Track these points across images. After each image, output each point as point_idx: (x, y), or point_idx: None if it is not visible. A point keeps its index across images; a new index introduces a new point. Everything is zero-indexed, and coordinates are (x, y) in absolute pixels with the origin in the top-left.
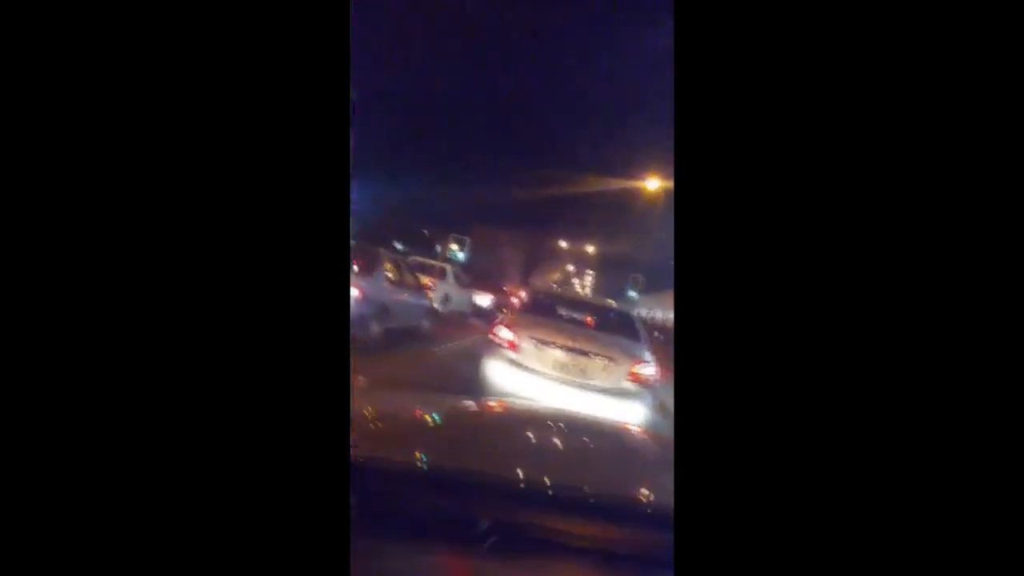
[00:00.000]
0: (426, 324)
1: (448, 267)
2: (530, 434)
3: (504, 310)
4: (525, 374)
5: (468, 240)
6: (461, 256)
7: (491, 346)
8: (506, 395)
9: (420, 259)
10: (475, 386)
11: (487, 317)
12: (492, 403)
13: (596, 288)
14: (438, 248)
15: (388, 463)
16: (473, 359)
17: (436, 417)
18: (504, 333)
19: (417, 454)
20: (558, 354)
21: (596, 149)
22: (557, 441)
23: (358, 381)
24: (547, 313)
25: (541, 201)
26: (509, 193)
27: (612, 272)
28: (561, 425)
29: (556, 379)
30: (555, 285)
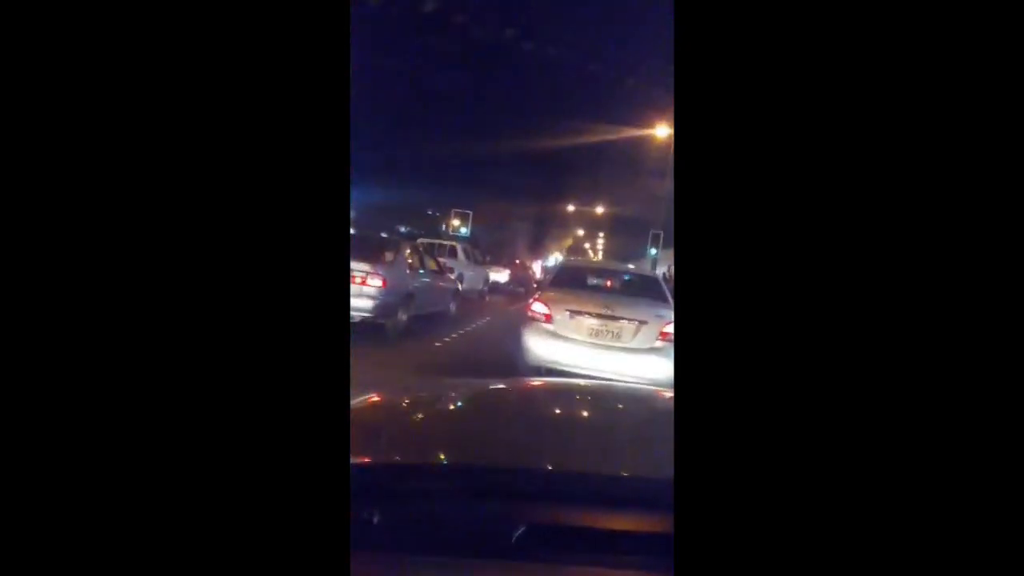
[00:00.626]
0: (453, 308)
1: (458, 245)
2: (558, 411)
3: (535, 285)
4: (564, 343)
5: (471, 214)
6: (464, 232)
7: (528, 321)
8: (549, 364)
9: (428, 240)
10: (518, 361)
11: (506, 293)
12: (531, 382)
13: (607, 251)
14: (443, 227)
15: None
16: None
17: (459, 403)
18: (539, 307)
19: (440, 456)
20: (591, 322)
21: (599, 100)
22: (585, 414)
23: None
24: (576, 284)
25: (543, 164)
26: (508, 158)
27: (624, 232)
28: (589, 399)
29: (592, 344)
30: (567, 254)
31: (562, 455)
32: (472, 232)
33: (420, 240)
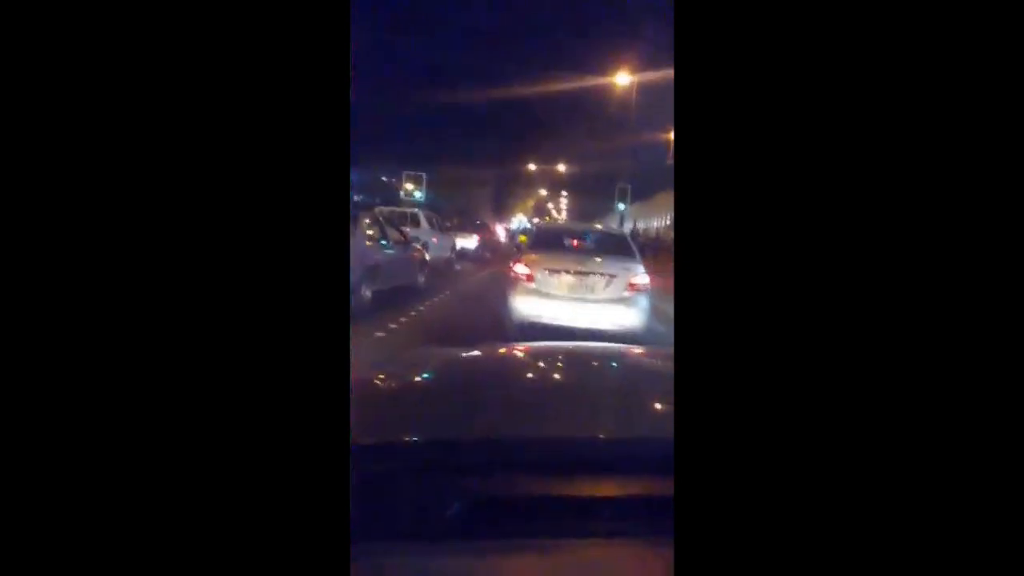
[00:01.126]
0: (421, 279)
1: (420, 212)
2: (531, 375)
3: (517, 248)
4: (545, 299)
5: (424, 176)
6: (419, 196)
7: (511, 281)
8: (533, 319)
9: (388, 208)
10: (503, 319)
11: (474, 260)
12: (501, 349)
13: (571, 210)
14: (401, 194)
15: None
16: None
17: (427, 375)
18: (520, 268)
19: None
20: (568, 278)
21: (556, 47)
22: (557, 376)
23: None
24: (552, 246)
25: (500, 122)
26: (464, 117)
27: (588, 190)
28: (560, 362)
29: (570, 299)
30: (532, 215)
31: (540, 421)
32: (432, 198)
33: (379, 209)
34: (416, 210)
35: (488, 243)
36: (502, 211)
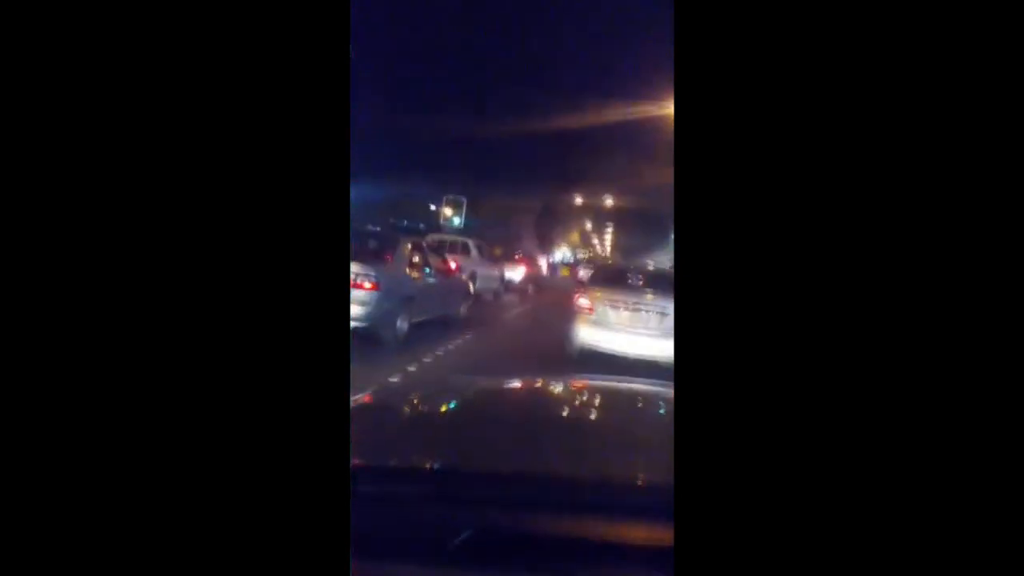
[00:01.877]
0: (463, 310)
1: (471, 242)
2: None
3: (579, 281)
4: (604, 330)
5: (464, 202)
6: (458, 222)
7: (574, 313)
8: (592, 347)
9: (438, 237)
10: (564, 346)
11: (517, 292)
12: (535, 382)
13: (615, 246)
14: (440, 220)
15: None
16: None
17: (452, 405)
18: (583, 301)
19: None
20: (625, 312)
21: (601, 73)
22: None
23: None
24: (609, 282)
25: (547, 150)
26: (510, 146)
27: (634, 225)
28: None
29: (626, 331)
30: (575, 249)
31: (554, 459)
32: (476, 226)
33: (430, 237)
34: (467, 239)
35: (530, 276)
36: (545, 243)
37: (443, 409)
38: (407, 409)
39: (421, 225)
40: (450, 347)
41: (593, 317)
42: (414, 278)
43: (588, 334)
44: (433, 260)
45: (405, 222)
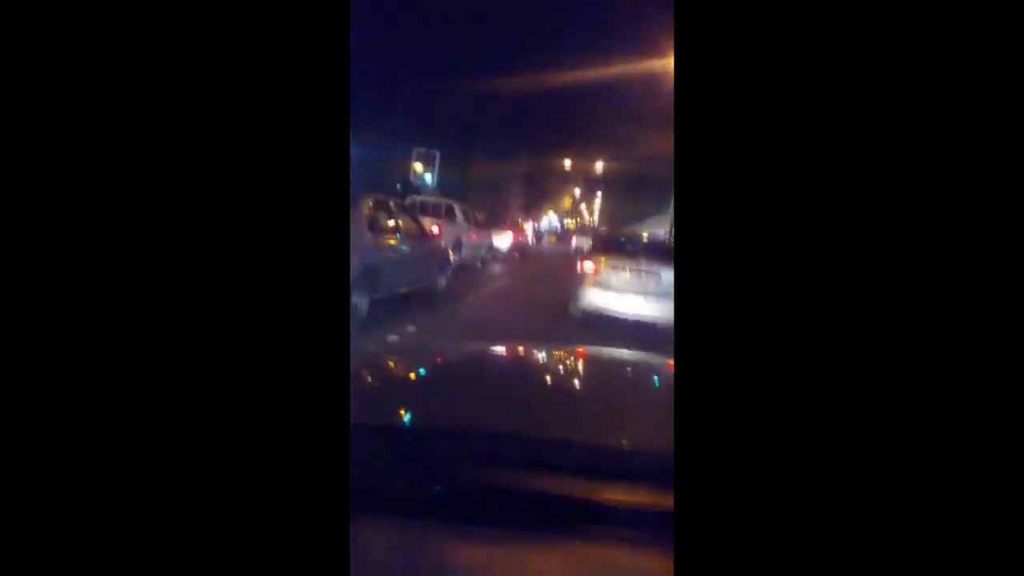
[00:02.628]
0: (442, 282)
1: (456, 205)
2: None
3: (586, 247)
4: (606, 292)
5: (437, 155)
6: (429, 180)
7: (579, 276)
8: (598, 308)
9: (422, 198)
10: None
11: (505, 261)
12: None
13: (604, 213)
14: (427, 178)
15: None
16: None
17: (421, 372)
18: (589, 265)
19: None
20: (625, 275)
21: (593, 27)
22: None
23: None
24: (610, 248)
25: (536, 109)
26: (499, 103)
27: (626, 191)
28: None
29: (626, 292)
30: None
31: (555, 423)
32: (458, 188)
33: (411, 197)
34: (452, 202)
35: (518, 243)
36: (532, 209)
37: (426, 369)
38: (391, 366)
39: (398, 185)
40: (427, 321)
41: (598, 279)
42: (378, 244)
43: (593, 295)
44: (405, 223)
45: (398, 186)
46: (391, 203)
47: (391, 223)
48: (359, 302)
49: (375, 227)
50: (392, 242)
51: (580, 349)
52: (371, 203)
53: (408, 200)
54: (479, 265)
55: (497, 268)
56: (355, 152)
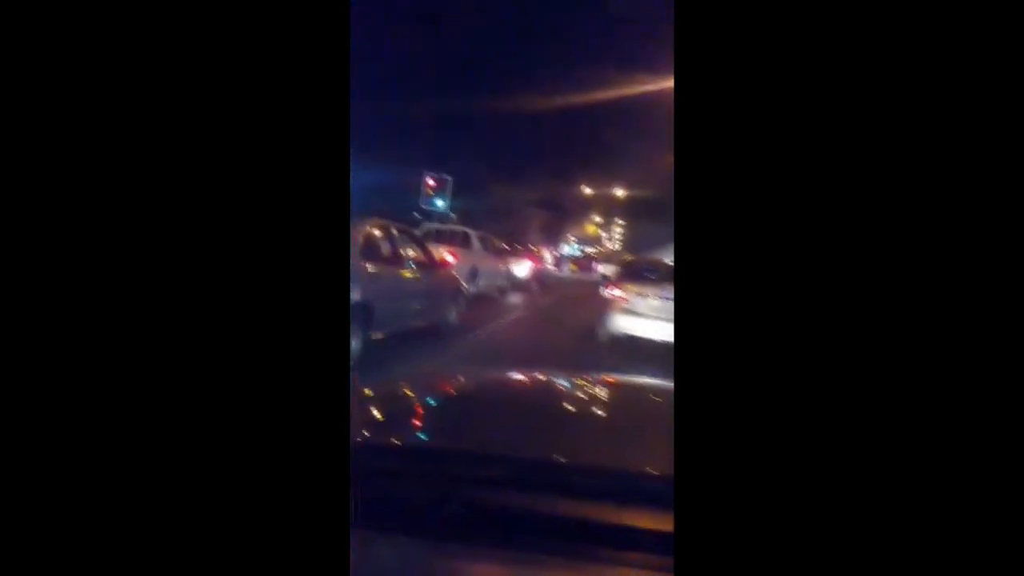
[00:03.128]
0: (453, 315)
1: (472, 232)
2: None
3: (610, 275)
4: (636, 318)
5: (450, 181)
6: (442, 204)
7: (608, 302)
8: (627, 333)
9: (436, 226)
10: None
11: (523, 291)
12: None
13: (627, 241)
14: (439, 203)
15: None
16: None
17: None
18: (617, 292)
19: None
20: (654, 302)
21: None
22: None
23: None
24: (637, 275)
25: (555, 134)
26: (510, 121)
27: (648, 218)
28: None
29: (655, 318)
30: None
31: (571, 447)
32: (477, 215)
33: (426, 225)
34: (467, 229)
35: (537, 271)
36: (551, 236)
37: (445, 392)
38: (408, 392)
39: (415, 214)
40: (436, 357)
41: (627, 305)
42: (377, 274)
43: (623, 322)
44: (412, 251)
45: (415, 214)
46: (393, 229)
47: (391, 251)
48: (352, 344)
49: (373, 255)
50: (394, 272)
51: (606, 376)
52: (369, 228)
53: (421, 227)
54: (497, 295)
55: (516, 298)
56: (369, 177)
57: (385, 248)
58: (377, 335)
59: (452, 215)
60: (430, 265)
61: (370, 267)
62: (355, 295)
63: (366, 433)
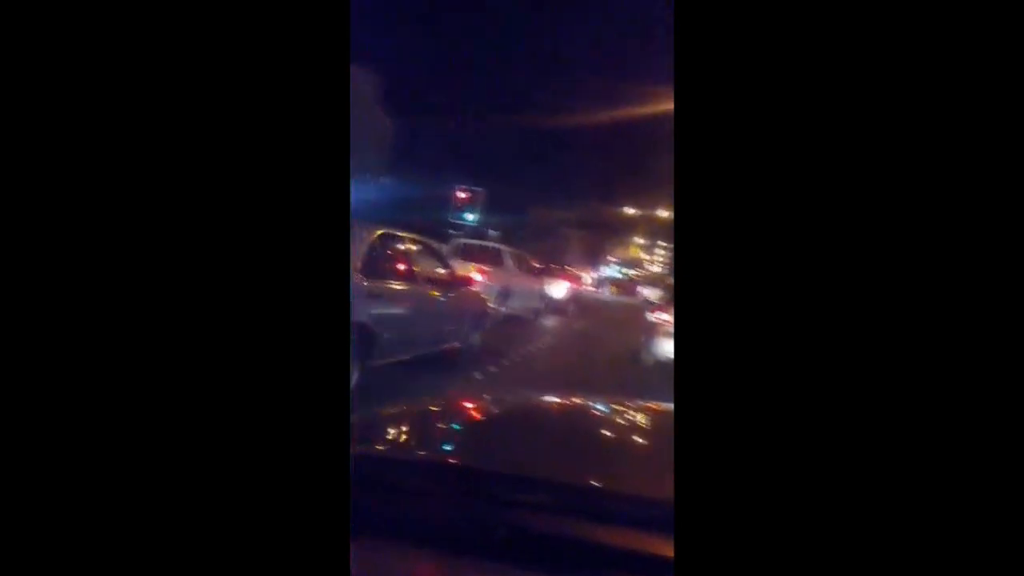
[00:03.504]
0: (475, 338)
1: (505, 249)
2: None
3: (654, 299)
4: None
5: (483, 193)
6: (472, 218)
7: (652, 326)
8: (670, 360)
9: (465, 241)
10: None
11: (558, 313)
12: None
13: (669, 264)
14: (469, 217)
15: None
16: None
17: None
18: (663, 315)
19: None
20: None
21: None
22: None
23: None
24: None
25: (594, 154)
26: (549, 137)
27: None
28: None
29: None
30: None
31: (611, 474)
32: (515, 234)
33: (457, 241)
34: (499, 246)
35: (574, 293)
36: (592, 257)
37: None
38: (433, 409)
39: (450, 231)
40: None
41: (671, 329)
42: (380, 292)
43: (669, 347)
44: (429, 267)
45: (450, 231)
46: (405, 240)
47: (404, 266)
48: (352, 374)
49: (378, 270)
50: (406, 290)
51: (651, 404)
52: (373, 238)
53: (451, 243)
54: (531, 316)
55: (551, 321)
56: (405, 191)
57: (394, 262)
58: (384, 360)
59: (491, 232)
60: (451, 283)
61: (371, 284)
62: (358, 316)
63: (384, 448)
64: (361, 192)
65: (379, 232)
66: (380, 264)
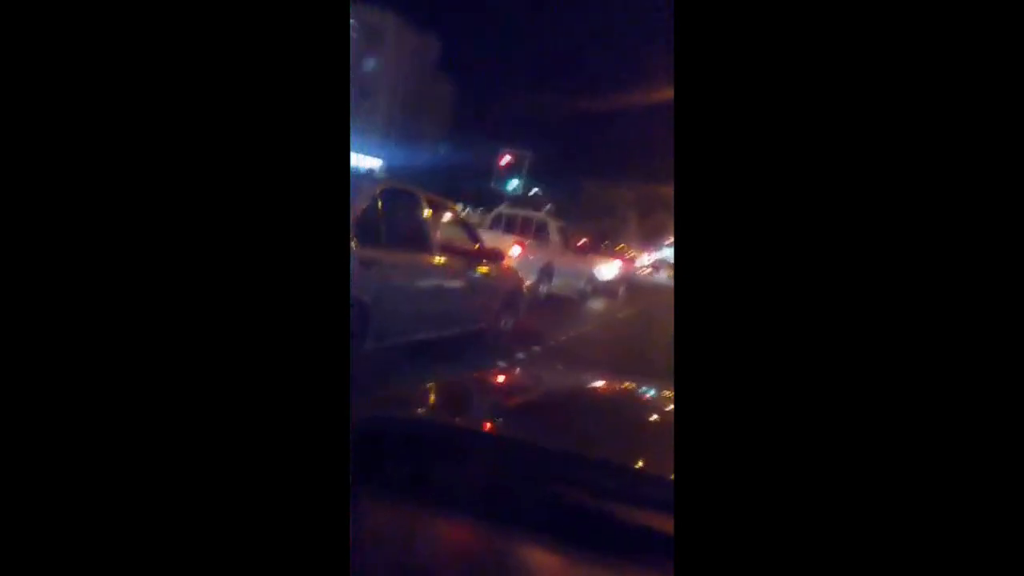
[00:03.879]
0: (507, 323)
1: (551, 222)
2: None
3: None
4: None
5: (529, 157)
6: (516, 184)
7: None
8: None
9: (508, 209)
10: None
11: (606, 295)
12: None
13: None
14: (513, 183)
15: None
16: None
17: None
18: None
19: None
20: None
21: None
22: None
23: None
24: None
25: (659, 119)
26: (615, 123)
27: None
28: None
29: None
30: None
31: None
32: (569, 208)
33: (500, 208)
34: (547, 217)
35: (626, 275)
36: (649, 238)
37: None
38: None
39: (505, 204)
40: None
41: None
42: (380, 260)
43: None
44: (450, 236)
45: (504, 203)
46: (419, 198)
47: (410, 231)
48: None
49: (376, 233)
50: (414, 259)
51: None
52: (375, 192)
53: (494, 212)
54: (576, 298)
55: (599, 303)
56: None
57: (400, 226)
58: (388, 342)
59: (546, 204)
60: (478, 256)
61: (368, 250)
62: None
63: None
64: (415, 158)
65: (381, 187)
66: (380, 226)
